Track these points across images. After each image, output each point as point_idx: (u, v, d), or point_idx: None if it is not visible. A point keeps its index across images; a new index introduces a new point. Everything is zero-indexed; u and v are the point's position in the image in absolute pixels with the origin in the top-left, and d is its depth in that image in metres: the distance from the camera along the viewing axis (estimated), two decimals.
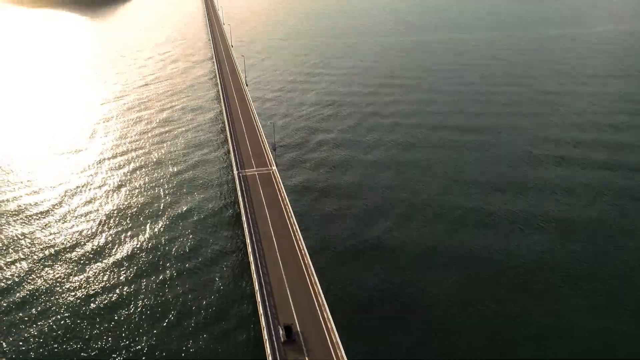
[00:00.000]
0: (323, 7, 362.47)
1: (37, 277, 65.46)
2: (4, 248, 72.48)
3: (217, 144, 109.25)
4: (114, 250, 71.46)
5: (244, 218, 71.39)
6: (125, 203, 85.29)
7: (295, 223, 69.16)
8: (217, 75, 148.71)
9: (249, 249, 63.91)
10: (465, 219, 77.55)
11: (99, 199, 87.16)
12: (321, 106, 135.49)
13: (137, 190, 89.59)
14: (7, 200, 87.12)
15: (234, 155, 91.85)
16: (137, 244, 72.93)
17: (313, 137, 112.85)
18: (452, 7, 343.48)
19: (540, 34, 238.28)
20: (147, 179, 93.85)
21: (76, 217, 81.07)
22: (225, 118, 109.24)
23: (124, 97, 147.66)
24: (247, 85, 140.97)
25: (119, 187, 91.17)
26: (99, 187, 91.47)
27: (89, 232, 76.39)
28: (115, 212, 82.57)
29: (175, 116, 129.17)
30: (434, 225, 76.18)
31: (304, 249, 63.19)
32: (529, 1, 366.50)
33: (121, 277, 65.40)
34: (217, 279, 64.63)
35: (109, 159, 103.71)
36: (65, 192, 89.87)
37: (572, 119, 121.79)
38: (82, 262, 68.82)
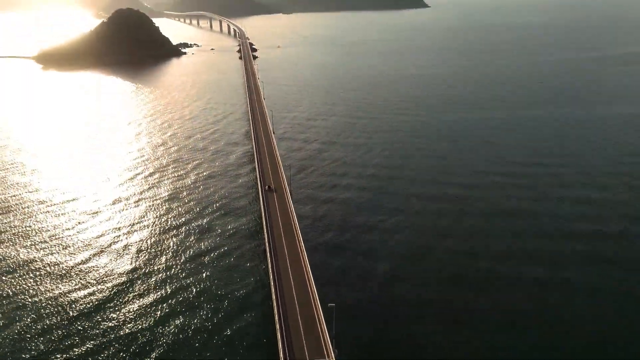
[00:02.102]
0: (374, 80, 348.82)
1: None
2: None
3: (260, 298, 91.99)
4: None
5: None
6: None
7: None
8: (259, 181, 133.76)
9: None
10: None
11: None
12: (390, 237, 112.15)
13: None
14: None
15: (282, 341, 73.03)
16: None
17: (379, 296, 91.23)
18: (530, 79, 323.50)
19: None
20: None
21: None
22: (270, 269, 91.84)
23: (160, 198, 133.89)
24: (291, 196, 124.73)
25: None
26: None
27: None
28: None
29: (214, 243, 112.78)
30: None
31: None
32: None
33: None
34: None
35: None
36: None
37: None
38: None
